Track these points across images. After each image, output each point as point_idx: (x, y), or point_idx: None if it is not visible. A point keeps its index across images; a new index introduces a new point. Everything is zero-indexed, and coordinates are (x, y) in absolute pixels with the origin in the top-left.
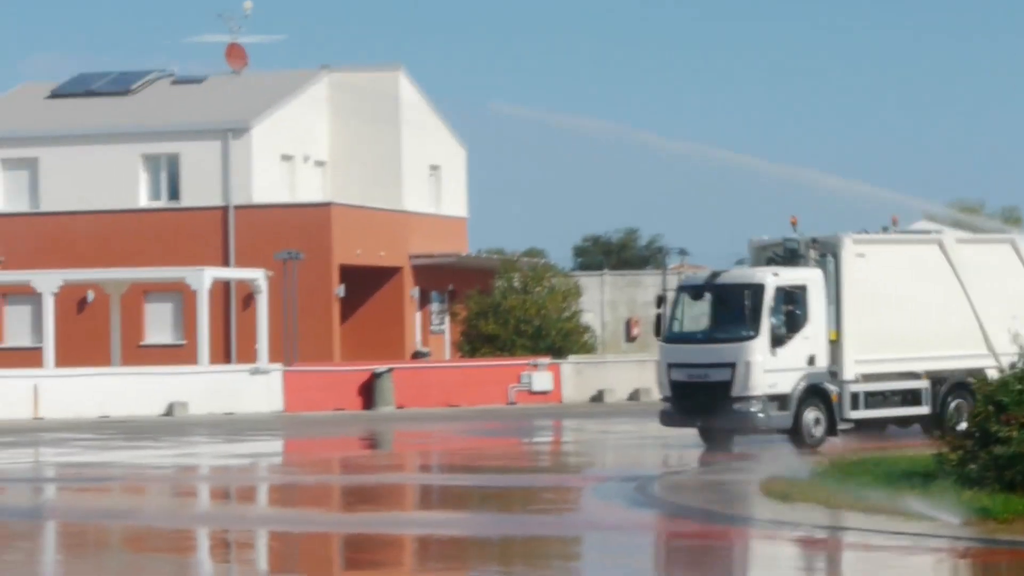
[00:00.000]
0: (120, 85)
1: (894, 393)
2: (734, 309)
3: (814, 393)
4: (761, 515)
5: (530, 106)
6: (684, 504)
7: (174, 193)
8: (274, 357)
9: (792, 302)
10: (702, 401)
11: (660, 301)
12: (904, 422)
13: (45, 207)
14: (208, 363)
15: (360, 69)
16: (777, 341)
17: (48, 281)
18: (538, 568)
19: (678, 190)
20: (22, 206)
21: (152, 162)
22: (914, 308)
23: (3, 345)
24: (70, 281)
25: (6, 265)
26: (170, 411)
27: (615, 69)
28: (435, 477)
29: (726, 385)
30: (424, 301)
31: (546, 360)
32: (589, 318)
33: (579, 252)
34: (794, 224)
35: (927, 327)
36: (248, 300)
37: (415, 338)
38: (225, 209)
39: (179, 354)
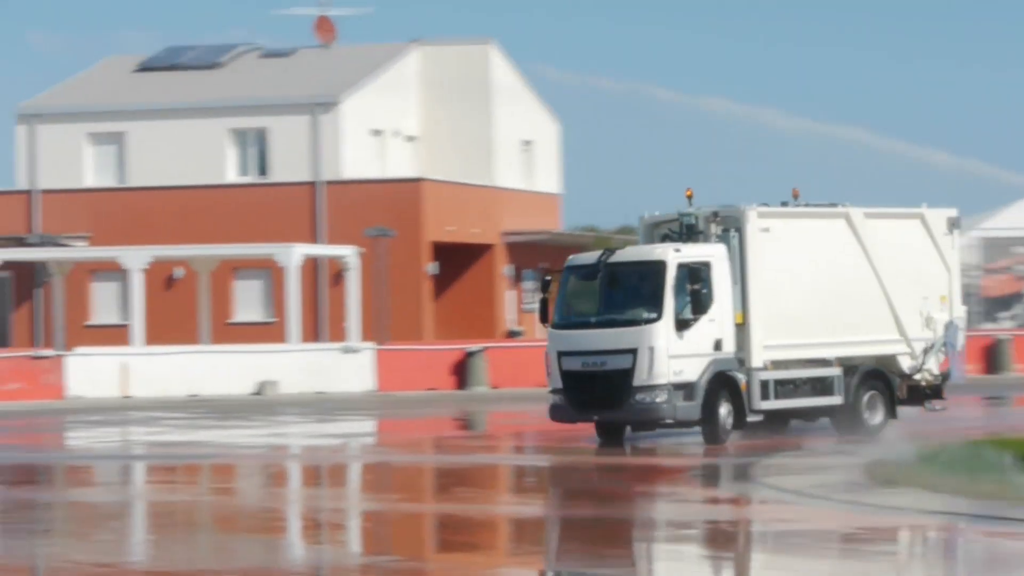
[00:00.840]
0: (208, 59)
1: (804, 382)
2: (633, 290)
3: (722, 381)
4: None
5: (626, 78)
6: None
7: (262, 168)
8: (363, 335)
9: (696, 281)
10: (599, 392)
11: (545, 284)
12: (813, 414)
13: (133, 182)
14: (298, 341)
15: (451, 43)
16: (682, 324)
17: (136, 258)
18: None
19: (783, 166)
20: (110, 181)
21: (240, 137)
22: (823, 289)
23: (91, 322)
24: (159, 258)
25: (94, 241)
26: (260, 390)
27: (718, 38)
28: (529, 458)
29: (627, 373)
30: (517, 279)
31: None
32: None
33: None
34: (689, 197)
35: (838, 310)
36: (338, 277)
37: (508, 317)
38: (314, 185)
39: (268, 332)
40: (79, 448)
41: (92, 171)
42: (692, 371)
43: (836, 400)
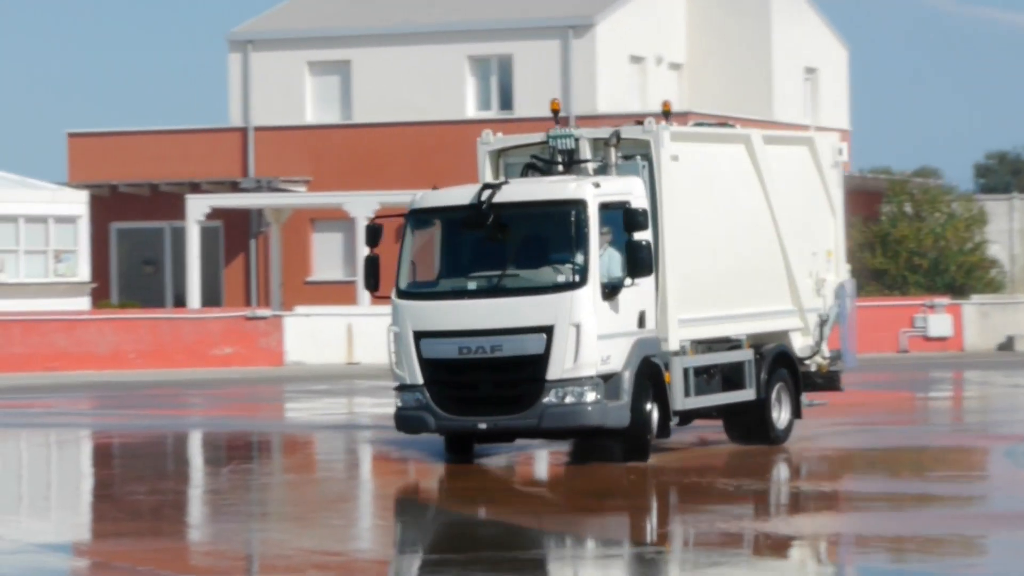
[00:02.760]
0: None
1: (719, 370)
2: (536, 243)
3: (647, 372)
4: None
5: None
6: None
7: (506, 101)
8: None
9: (635, 227)
10: (489, 390)
11: (373, 233)
12: (725, 415)
13: (358, 118)
14: None
15: None
16: (609, 291)
17: (363, 204)
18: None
19: None
20: (332, 117)
21: (481, 65)
22: (736, 242)
23: (312, 278)
24: (388, 204)
25: (314, 186)
26: None
27: None
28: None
29: (536, 362)
30: None
31: (944, 300)
32: (995, 250)
33: (981, 172)
34: (556, 111)
35: (750, 271)
36: None
37: None
38: (565, 119)
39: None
40: (299, 421)
41: (312, 106)
42: (617, 358)
43: (749, 395)
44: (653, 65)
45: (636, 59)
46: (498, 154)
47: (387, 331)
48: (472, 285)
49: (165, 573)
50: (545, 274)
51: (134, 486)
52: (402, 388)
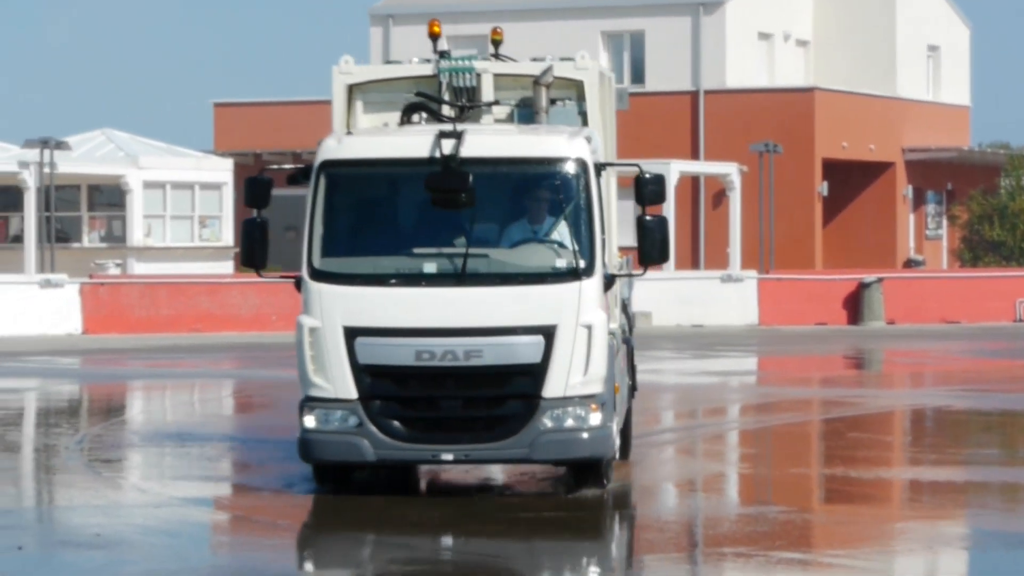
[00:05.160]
0: None
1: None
2: (517, 215)
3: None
4: None
5: None
6: None
7: (638, 76)
8: (747, 263)
9: (649, 199)
10: (456, 410)
11: (260, 190)
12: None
13: None
14: (673, 269)
15: None
16: (608, 280)
17: None
18: None
19: None
20: None
21: (614, 40)
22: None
23: None
24: None
25: None
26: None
27: None
28: (931, 402)
29: (529, 375)
30: (918, 202)
31: None
32: None
33: None
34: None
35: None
36: (719, 198)
37: (908, 244)
38: (695, 94)
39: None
40: None
41: None
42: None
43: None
44: (780, 42)
45: (764, 36)
46: (360, 88)
47: (297, 325)
48: (432, 267)
49: (303, 528)
50: (540, 255)
51: (271, 446)
52: (319, 403)
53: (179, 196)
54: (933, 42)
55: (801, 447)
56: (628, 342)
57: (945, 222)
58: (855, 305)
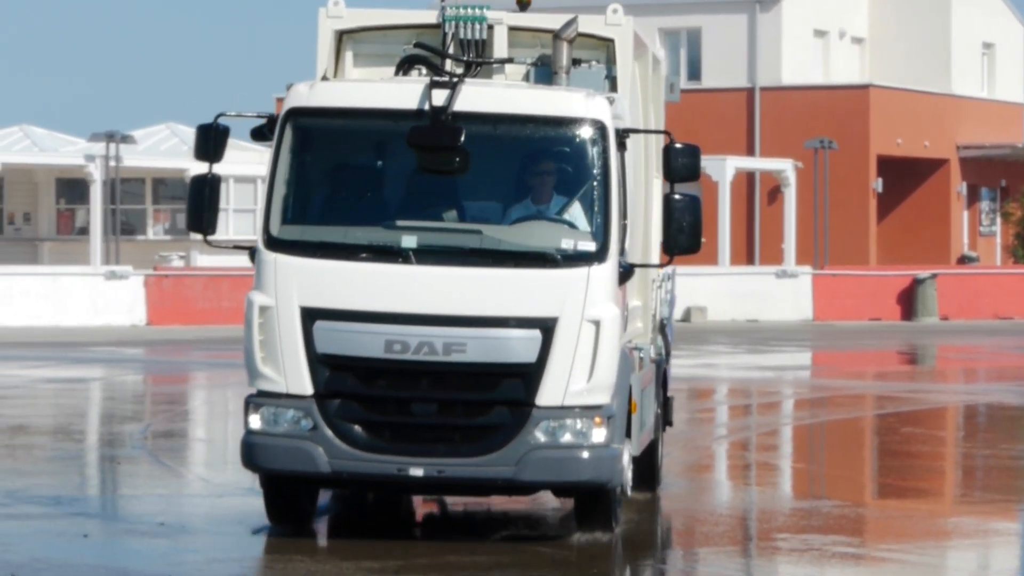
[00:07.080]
0: None
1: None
2: (518, 183)
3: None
4: None
5: None
6: None
7: (694, 72)
8: (801, 258)
9: (678, 174)
10: (431, 415)
11: (212, 139)
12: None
13: None
14: (729, 264)
15: None
16: (624, 271)
17: None
18: None
19: None
20: None
21: (671, 37)
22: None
23: None
24: None
25: None
26: (687, 316)
27: None
28: (984, 398)
29: (520, 377)
30: (972, 199)
31: None
32: None
33: None
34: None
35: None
36: (773, 194)
37: (961, 241)
38: (751, 91)
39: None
40: None
41: None
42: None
43: None
44: (836, 39)
45: (820, 33)
46: (349, 36)
47: (246, 303)
48: (412, 241)
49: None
50: (542, 233)
51: None
52: (267, 399)
53: (242, 190)
54: (988, 39)
55: (855, 442)
56: (661, 365)
57: (999, 219)
58: (909, 301)
